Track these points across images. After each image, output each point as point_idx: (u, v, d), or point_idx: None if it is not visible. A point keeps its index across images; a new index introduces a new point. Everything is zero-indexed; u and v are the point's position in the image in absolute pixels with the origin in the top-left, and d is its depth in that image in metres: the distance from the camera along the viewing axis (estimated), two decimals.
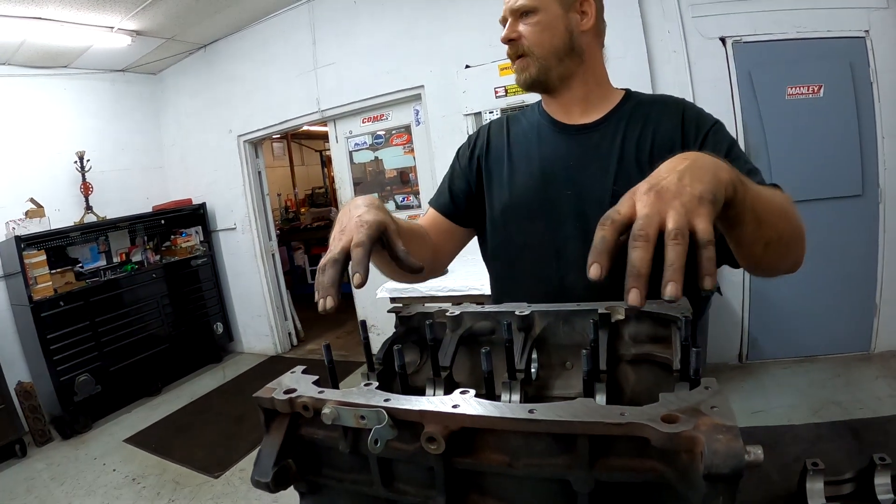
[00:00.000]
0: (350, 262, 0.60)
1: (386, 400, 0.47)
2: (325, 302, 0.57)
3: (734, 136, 2.37)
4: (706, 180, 0.50)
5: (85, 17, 3.18)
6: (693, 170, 0.51)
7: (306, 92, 3.77)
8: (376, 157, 3.74)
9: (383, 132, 3.70)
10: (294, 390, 0.52)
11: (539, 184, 0.96)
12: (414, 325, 0.72)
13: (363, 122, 3.72)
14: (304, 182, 7.53)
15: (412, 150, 3.59)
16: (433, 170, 3.45)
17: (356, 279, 0.57)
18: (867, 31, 2.74)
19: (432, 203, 1.07)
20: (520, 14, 0.92)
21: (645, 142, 0.91)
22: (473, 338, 0.69)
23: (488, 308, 0.69)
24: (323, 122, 3.88)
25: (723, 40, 2.88)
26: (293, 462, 0.53)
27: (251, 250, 4.27)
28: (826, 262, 2.84)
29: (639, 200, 0.49)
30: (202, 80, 4.27)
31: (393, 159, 3.69)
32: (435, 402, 0.46)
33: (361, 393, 0.49)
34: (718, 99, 2.93)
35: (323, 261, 0.61)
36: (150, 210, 4.35)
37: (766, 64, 2.84)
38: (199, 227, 4.38)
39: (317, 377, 0.55)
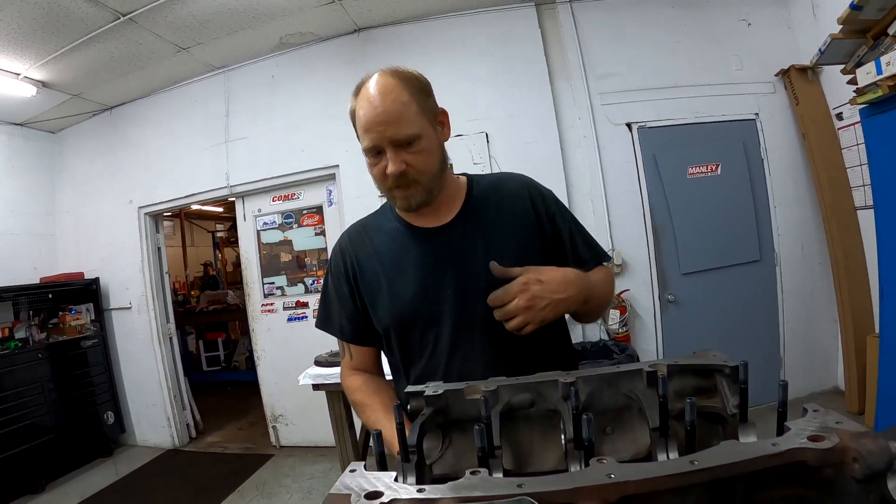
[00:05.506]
0: None
1: (519, 486, 0.42)
2: None
3: (641, 208, 3.08)
4: (570, 303, 0.86)
5: None
6: (563, 283, 0.86)
7: (216, 165, 3.57)
8: (286, 237, 3.55)
9: (294, 212, 3.54)
10: (380, 493, 0.43)
11: (419, 292, 0.96)
12: (442, 404, 0.66)
13: (273, 201, 3.57)
14: (194, 263, 7.18)
15: (323, 232, 3.44)
16: None
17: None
18: (757, 114, 3.04)
19: (350, 339, 1.05)
20: (404, 144, 0.87)
21: (503, 226, 0.98)
22: (510, 413, 0.65)
23: (524, 379, 0.67)
24: (230, 200, 3.65)
25: (629, 126, 3.06)
26: None
27: (147, 332, 3.84)
28: (732, 325, 3.00)
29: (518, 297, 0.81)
30: (104, 144, 3.96)
31: (304, 240, 3.53)
32: (579, 476, 0.43)
33: (476, 484, 0.43)
34: (626, 180, 3.05)
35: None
36: (37, 281, 3.85)
37: (668, 146, 3.02)
38: (91, 305, 3.93)
39: (393, 473, 0.48)
